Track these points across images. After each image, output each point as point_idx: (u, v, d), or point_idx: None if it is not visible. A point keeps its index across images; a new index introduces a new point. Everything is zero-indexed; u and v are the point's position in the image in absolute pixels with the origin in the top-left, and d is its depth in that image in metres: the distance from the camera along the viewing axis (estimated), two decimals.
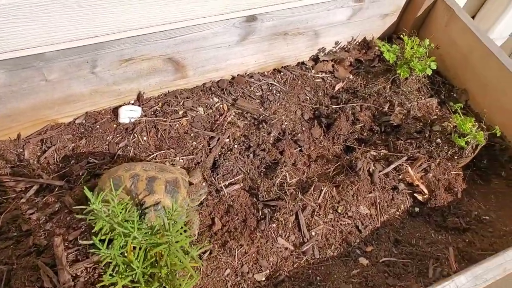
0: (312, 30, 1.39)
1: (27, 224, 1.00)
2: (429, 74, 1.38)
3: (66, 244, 0.96)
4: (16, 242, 0.97)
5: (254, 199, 1.10)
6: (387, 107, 1.36)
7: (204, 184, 1.07)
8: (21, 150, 1.17)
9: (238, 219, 1.05)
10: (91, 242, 0.95)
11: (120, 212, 0.74)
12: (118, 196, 0.90)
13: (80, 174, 1.11)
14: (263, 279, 0.96)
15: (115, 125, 1.22)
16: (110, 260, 0.75)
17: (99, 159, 1.15)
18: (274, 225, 1.04)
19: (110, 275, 0.79)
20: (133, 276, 0.74)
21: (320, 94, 1.41)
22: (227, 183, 1.12)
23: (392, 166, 1.19)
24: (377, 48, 1.50)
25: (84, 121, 1.23)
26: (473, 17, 1.98)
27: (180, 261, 0.73)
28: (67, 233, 0.98)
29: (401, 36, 1.43)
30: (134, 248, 0.78)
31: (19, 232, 0.99)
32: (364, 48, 1.57)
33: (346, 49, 1.55)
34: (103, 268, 0.91)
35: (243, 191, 1.12)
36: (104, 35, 1.11)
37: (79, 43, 1.08)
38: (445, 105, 1.41)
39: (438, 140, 1.22)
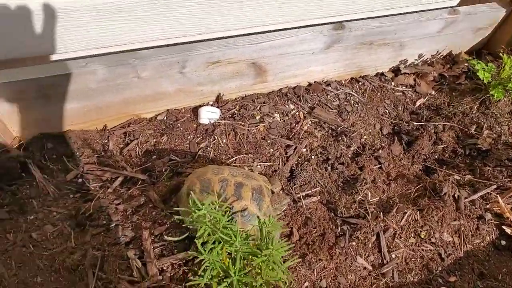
0: (398, 42, 1.33)
1: (116, 214, 1.04)
2: None
3: (152, 238, 0.98)
4: (106, 230, 1.01)
5: (332, 213, 1.08)
6: (473, 129, 1.28)
7: (285, 194, 1.05)
8: (106, 141, 1.21)
9: (316, 232, 1.03)
10: (176, 238, 0.98)
11: (221, 219, 0.74)
12: (209, 198, 0.91)
13: (163, 170, 1.14)
14: None
15: (195, 125, 1.24)
16: (208, 265, 0.76)
17: (180, 157, 1.17)
18: (354, 243, 1.01)
19: (200, 276, 0.80)
20: (228, 283, 0.74)
21: (400, 109, 1.36)
22: (304, 194, 1.10)
23: (479, 193, 1.12)
24: (465, 64, 1.42)
25: (165, 118, 1.25)
26: None
27: (276, 273, 0.72)
28: (153, 228, 1.00)
29: (496, 52, 1.34)
30: (229, 254, 0.78)
31: (108, 221, 1.03)
32: (449, 62, 1.49)
33: (429, 62, 1.48)
34: (190, 267, 0.92)
35: (320, 204, 1.09)
36: (193, 35, 1.13)
37: (170, 41, 1.11)
38: None
39: None
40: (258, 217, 0.92)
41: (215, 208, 0.82)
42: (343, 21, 1.23)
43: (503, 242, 1.09)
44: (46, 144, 1.17)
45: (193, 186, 0.96)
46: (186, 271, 0.94)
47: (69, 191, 1.11)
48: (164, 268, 0.93)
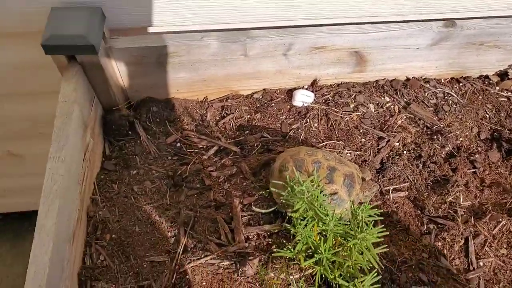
0: (511, 45, 1.26)
1: (209, 179, 1.12)
2: None
3: (241, 207, 1.05)
4: (199, 193, 1.10)
5: (419, 211, 1.07)
6: None
7: (375, 182, 1.07)
8: (204, 112, 1.30)
9: (400, 226, 1.04)
10: (263, 211, 1.04)
11: (320, 196, 0.78)
12: (305, 177, 0.96)
13: (254, 145, 1.20)
14: None
15: (288, 106, 1.28)
16: (300, 239, 0.80)
17: (271, 135, 1.22)
18: (439, 243, 1.00)
19: (289, 249, 0.85)
20: (317, 259, 0.79)
21: (502, 115, 1.29)
22: (392, 188, 1.11)
23: None
24: None
25: (261, 97, 1.31)
26: None
27: (363, 258, 0.75)
28: (242, 197, 1.07)
29: None
30: (320, 233, 0.82)
31: (202, 185, 1.12)
32: None
33: None
34: (273, 239, 0.98)
35: (407, 199, 1.09)
36: (303, 19, 1.16)
37: (279, 23, 1.16)
38: None
39: None
40: (350, 202, 0.95)
41: (313, 186, 0.86)
42: (455, 19, 1.19)
43: None
44: (152, 108, 1.28)
45: (286, 164, 1.01)
46: (270, 242, 1.00)
47: (168, 153, 1.21)
48: (250, 237, 0.99)
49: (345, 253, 0.80)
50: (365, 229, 0.75)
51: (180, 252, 0.98)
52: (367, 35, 1.16)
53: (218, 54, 1.14)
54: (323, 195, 0.94)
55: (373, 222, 0.86)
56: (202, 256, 0.96)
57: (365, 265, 0.78)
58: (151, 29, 1.13)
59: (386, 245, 0.93)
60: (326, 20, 1.16)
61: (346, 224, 0.82)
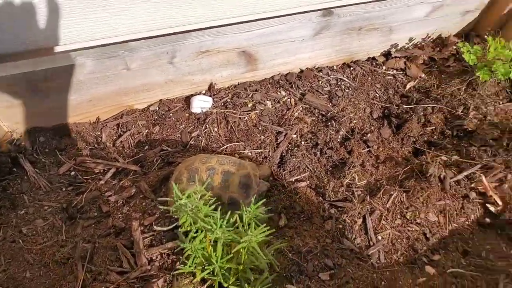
0: (387, 26, 1.34)
1: (106, 206, 1.07)
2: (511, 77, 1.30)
3: (142, 229, 1.02)
4: (97, 222, 1.05)
5: (320, 198, 1.11)
6: (461, 111, 1.30)
7: (266, 182, 1.09)
8: (99, 133, 1.24)
9: (304, 216, 1.07)
10: (165, 228, 1.01)
11: (203, 208, 0.77)
12: (194, 187, 0.95)
13: (154, 160, 1.17)
14: (328, 278, 0.97)
15: (187, 114, 1.26)
16: (191, 253, 0.79)
17: (172, 147, 1.20)
18: (340, 226, 1.05)
19: (183, 263, 0.84)
20: (211, 269, 0.78)
21: (391, 92, 1.38)
22: (293, 180, 1.14)
23: (464, 173, 1.15)
24: (454, 47, 1.42)
25: (157, 108, 1.28)
26: None
27: (257, 259, 0.76)
28: (143, 218, 1.04)
29: (484, 35, 1.35)
30: (215, 242, 0.82)
31: (99, 213, 1.07)
32: (439, 45, 1.49)
33: (420, 46, 1.48)
34: (177, 256, 0.96)
35: (309, 188, 1.13)
36: (184, 25, 1.14)
37: (160, 32, 1.13)
38: None
39: None
40: (244, 204, 0.95)
41: (200, 197, 0.85)
42: (331, 8, 1.24)
43: (487, 220, 1.12)
44: (38, 138, 1.20)
45: (180, 176, 0.99)
46: (175, 260, 0.97)
47: (61, 184, 1.14)
48: (153, 258, 0.96)
49: (239, 257, 0.80)
50: (250, 231, 0.76)
51: None
52: (250, 33, 1.17)
53: (96, 71, 1.09)
54: (218, 201, 0.94)
55: (267, 219, 0.88)
56: None
57: (257, 265, 0.78)
58: (18, 55, 1.05)
59: (283, 240, 0.96)
60: (206, 23, 1.16)
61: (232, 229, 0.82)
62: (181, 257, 0.92)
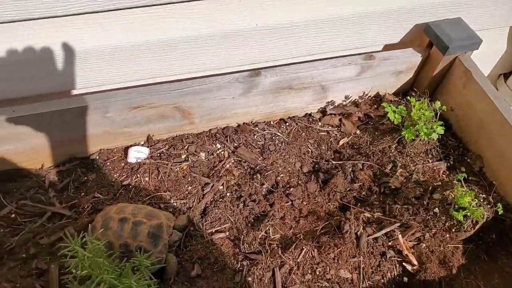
0: (319, 85, 1.42)
1: (35, 248, 1.12)
2: (440, 137, 1.34)
3: (62, 271, 1.05)
4: (23, 263, 1.09)
5: (237, 249, 1.13)
6: (389, 168, 1.33)
7: (178, 232, 1.12)
8: (43, 179, 1.31)
9: (217, 267, 1.09)
10: (80, 273, 1.05)
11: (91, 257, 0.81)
12: (106, 237, 1.00)
13: (86, 207, 1.22)
14: None
15: (123, 164, 1.33)
16: None
17: (103, 195, 1.25)
18: (249, 278, 1.06)
19: None
20: None
21: (324, 148, 1.43)
22: (213, 230, 1.17)
23: (383, 231, 1.17)
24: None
25: (97, 157, 1.35)
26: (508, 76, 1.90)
27: None
28: (64, 261, 1.07)
29: (412, 95, 1.42)
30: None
31: (27, 254, 1.11)
32: (376, 103, 1.56)
33: (357, 103, 1.55)
34: None
35: (227, 240, 1.15)
36: (112, 83, 1.24)
37: (90, 89, 1.23)
38: (455, 170, 1.36)
39: (436, 210, 1.18)
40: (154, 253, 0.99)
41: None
42: (260, 68, 1.33)
43: (405, 279, 1.12)
44: None
45: (96, 224, 1.05)
46: None
47: (0, 226, 1.20)
48: None
49: None
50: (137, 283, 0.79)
51: None
52: (179, 91, 1.26)
53: (37, 124, 1.18)
54: (128, 250, 0.98)
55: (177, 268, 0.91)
56: None
57: None
58: None
59: None
60: (142, 81, 1.26)
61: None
62: None
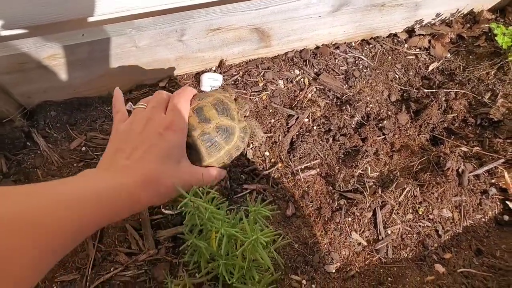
0: (413, 2, 1.23)
1: None
2: None
3: (150, 211, 1.02)
4: None
5: (330, 187, 1.08)
6: (487, 97, 1.21)
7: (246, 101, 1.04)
8: (109, 108, 1.22)
9: (312, 206, 1.05)
10: (173, 212, 1.01)
11: (207, 208, 0.75)
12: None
13: None
14: (333, 271, 0.96)
15: (196, 92, 1.22)
16: (196, 248, 0.79)
17: None
18: (349, 218, 1.02)
19: (191, 256, 0.83)
20: (216, 265, 0.78)
21: (411, 74, 1.29)
22: (303, 167, 1.10)
23: (485, 167, 1.09)
24: (486, 24, 1.31)
25: (166, 85, 1.24)
26: None
27: (262, 258, 0.75)
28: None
29: None
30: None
31: None
32: (470, 22, 1.37)
33: (448, 22, 1.36)
34: (183, 241, 0.96)
35: (319, 177, 1.09)
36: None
37: (168, 6, 1.06)
38: None
39: None
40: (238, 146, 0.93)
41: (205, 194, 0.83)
42: None
43: (506, 218, 1.07)
44: (50, 112, 1.18)
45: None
46: (182, 244, 0.97)
47: (73, 160, 1.14)
48: (161, 241, 0.96)
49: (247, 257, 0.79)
50: (254, 231, 0.74)
51: (90, 268, 0.94)
52: (263, 11, 1.09)
53: (107, 49, 1.05)
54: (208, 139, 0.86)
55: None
56: (111, 269, 0.93)
57: (263, 264, 0.77)
58: (24, 33, 1.01)
59: (288, 237, 0.95)
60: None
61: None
62: (188, 247, 0.92)
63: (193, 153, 0.79)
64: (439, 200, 1.04)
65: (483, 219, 1.06)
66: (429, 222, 1.03)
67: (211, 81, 1.21)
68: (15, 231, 0.46)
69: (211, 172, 0.88)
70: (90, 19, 1.07)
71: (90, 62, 1.08)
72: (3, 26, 0.99)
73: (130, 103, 0.91)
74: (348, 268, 0.97)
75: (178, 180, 0.75)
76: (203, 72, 1.24)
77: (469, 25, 1.37)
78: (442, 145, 1.15)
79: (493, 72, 1.24)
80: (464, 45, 1.33)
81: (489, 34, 1.32)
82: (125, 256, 0.95)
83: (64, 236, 0.53)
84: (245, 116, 1.00)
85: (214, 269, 0.80)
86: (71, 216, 0.54)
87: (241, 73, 1.25)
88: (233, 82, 1.23)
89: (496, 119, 1.17)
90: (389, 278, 0.95)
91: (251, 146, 1.09)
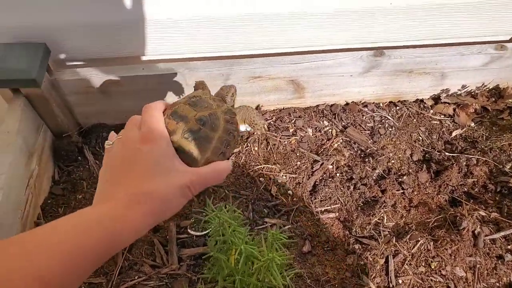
0: (440, 72, 1.34)
1: None
2: None
3: (177, 230, 1.11)
4: None
5: (347, 231, 1.13)
6: (509, 167, 1.26)
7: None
8: None
9: (328, 247, 1.10)
10: (198, 233, 1.10)
11: (232, 223, 0.83)
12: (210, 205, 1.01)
13: None
14: None
15: None
16: (215, 262, 0.86)
17: None
18: (362, 262, 1.06)
19: (209, 269, 0.90)
20: (232, 280, 0.84)
21: (435, 137, 1.37)
22: (323, 209, 1.17)
23: (502, 233, 1.12)
24: (510, 100, 1.39)
25: None
26: None
27: (275, 279, 0.81)
28: (180, 220, 1.13)
29: None
30: (239, 255, 0.87)
31: None
32: (495, 96, 1.46)
33: (473, 94, 1.46)
34: (204, 261, 1.03)
35: (337, 220, 1.15)
36: (239, 50, 1.24)
37: (217, 54, 1.23)
38: None
39: None
40: None
41: (228, 211, 0.92)
42: (383, 47, 1.27)
43: None
44: (102, 133, 1.34)
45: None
46: (201, 264, 1.05)
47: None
48: (183, 258, 1.04)
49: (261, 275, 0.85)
50: (270, 253, 0.81)
51: (116, 274, 1.02)
52: (300, 65, 1.23)
53: (160, 84, 1.21)
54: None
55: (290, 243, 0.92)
56: (135, 277, 1.01)
57: (275, 285, 0.83)
58: (93, 62, 1.20)
59: (304, 266, 1.00)
60: (261, 50, 1.24)
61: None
62: (207, 263, 0.99)
63: (184, 156, 0.70)
64: (453, 257, 1.07)
65: (497, 284, 1.07)
66: (442, 277, 1.05)
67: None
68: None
69: (217, 164, 0.74)
70: (146, 58, 1.25)
71: (144, 93, 1.24)
72: (76, 56, 1.19)
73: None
74: None
75: (178, 186, 0.65)
76: None
77: (494, 99, 1.45)
78: (460, 207, 1.19)
79: None
80: (488, 117, 1.41)
81: None
82: (150, 267, 1.03)
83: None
84: (233, 106, 0.92)
85: (230, 284, 0.87)
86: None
87: (274, 118, 1.38)
88: (266, 126, 1.36)
89: None
90: None
91: (252, 132, 1.10)
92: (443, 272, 1.05)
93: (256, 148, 1.30)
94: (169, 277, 1.01)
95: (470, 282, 1.06)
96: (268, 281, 0.85)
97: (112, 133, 0.78)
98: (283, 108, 1.41)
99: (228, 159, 0.81)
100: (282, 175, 1.24)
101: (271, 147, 1.30)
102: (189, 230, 1.10)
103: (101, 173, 0.68)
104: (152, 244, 1.08)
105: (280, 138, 1.32)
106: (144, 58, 1.24)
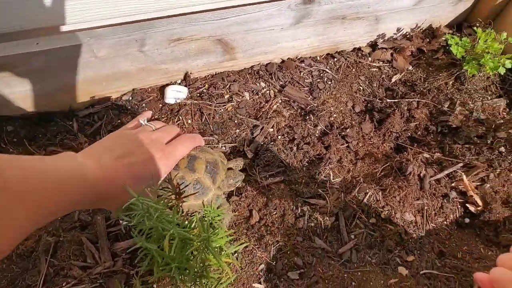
0: (373, 15, 1.28)
1: None
2: (501, 73, 1.24)
3: (108, 223, 0.99)
4: (63, 216, 1.01)
5: (294, 194, 1.07)
6: (447, 106, 1.24)
7: (241, 172, 1.04)
8: (70, 123, 1.20)
9: (276, 213, 1.03)
10: (129, 222, 0.98)
11: (158, 209, 0.73)
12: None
13: None
14: (297, 277, 0.94)
15: (160, 105, 1.22)
16: (148, 252, 0.76)
17: None
18: (312, 224, 1.01)
19: (148, 263, 0.81)
20: (169, 269, 0.75)
21: (375, 85, 1.32)
22: (267, 175, 1.10)
23: (445, 172, 1.11)
24: (443, 38, 1.36)
25: (130, 98, 1.23)
26: None
27: (211, 259, 0.73)
28: (109, 212, 1.01)
29: (474, 26, 1.29)
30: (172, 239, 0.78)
31: None
32: (429, 36, 1.43)
33: (408, 36, 1.42)
34: (140, 254, 0.93)
35: (283, 184, 1.09)
36: (154, 11, 1.08)
37: (129, 18, 1.07)
38: None
39: (502, 149, 1.12)
40: (217, 188, 0.92)
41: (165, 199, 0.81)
42: None
43: (467, 220, 1.08)
44: (6, 127, 1.16)
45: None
46: (140, 256, 0.95)
47: None
48: (118, 253, 0.93)
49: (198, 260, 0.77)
50: (211, 232, 0.72)
51: (41, 284, 0.90)
52: (224, 21, 1.11)
53: (63, 60, 1.04)
54: (185, 186, 0.89)
55: (223, 221, 0.85)
56: (63, 284, 0.89)
57: (215, 265, 0.75)
58: None
59: (245, 239, 0.93)
60: (179, 9, 1.10)
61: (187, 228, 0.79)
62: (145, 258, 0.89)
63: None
64: (401, 203, 1.04)
65: (445, 222, 1.07)
66: (392, 225, 1.03)
67: (175, 93, 1.21)
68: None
69: (188, 137, 0.92)
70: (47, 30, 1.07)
71: (47, 73, 1.07)
72: None
73: (144, 118, 0.91)
74: (312, 274, 0.95)
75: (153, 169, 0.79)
76: (168, 85, 1.25)
77: (428, 40, 1.43)
78: (405, 153, 1.17)
79: (451, 82, 1.28)
80: (424, 58, 1.38)
81: (447, 48, 1.37)
82: (79, 269, 0.91)
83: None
84: (234, 187, 1.05)
85: (168, 273, 0.78)
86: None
87: (207, 85, 1.26)
88: (198, 95, 1.24)
89: (455, 126, 1.20)
90: (353, 283, 0.94)
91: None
92: (393, 220, 1.03)
93: (189, 121, 1.18)
94: (103, 276, 0.90)
95: (419, 225, 1.04)
96: (209, 263, 0.77)
97: (150, 113, 0.95)
98: (216, 74, 1.29)
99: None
100: (221, 146, 1.14)
101: (206, 118, 1.19)
102: (120, 221, 0.99)
103: (112, 138, 0.80)
104: (80, 243, 0.96)
105: (215, 107, 1.21)
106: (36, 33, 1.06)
